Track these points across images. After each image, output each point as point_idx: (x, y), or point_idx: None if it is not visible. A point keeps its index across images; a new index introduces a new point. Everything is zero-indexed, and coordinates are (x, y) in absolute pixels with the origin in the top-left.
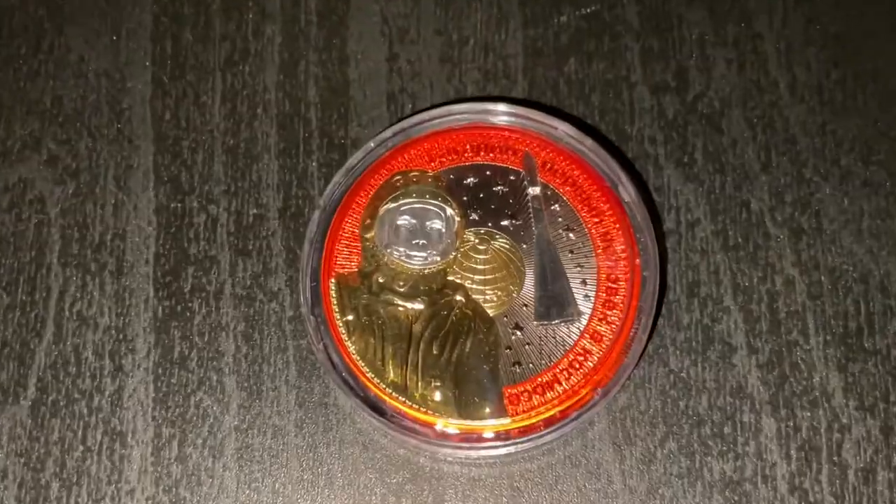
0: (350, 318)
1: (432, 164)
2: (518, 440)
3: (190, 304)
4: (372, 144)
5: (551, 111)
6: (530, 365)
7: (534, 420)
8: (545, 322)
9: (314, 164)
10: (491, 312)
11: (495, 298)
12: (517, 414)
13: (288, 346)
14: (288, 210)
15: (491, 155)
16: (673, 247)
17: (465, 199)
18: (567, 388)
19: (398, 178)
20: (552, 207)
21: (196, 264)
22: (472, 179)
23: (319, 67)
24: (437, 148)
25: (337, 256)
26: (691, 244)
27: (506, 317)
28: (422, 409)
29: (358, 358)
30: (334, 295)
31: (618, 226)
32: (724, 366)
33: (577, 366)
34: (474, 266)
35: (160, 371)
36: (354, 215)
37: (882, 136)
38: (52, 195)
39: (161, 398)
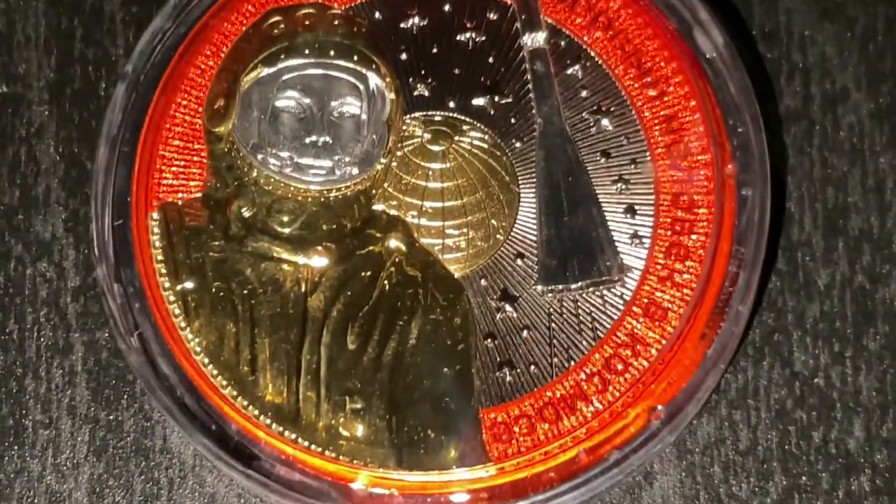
0: (190, 284)
1: None
2: None
3: None
4: None
5: None
6: (532, 368)
7: (539, 469)
8: (558, 287)
9: None
10: (456, 271)
11: (464, 244)
12: (507, 458)
13: (73, 344)
14: (67, 86)
15: None
16: (798, 143)
17: (403, 58)
18: (600, 407)
19: (276, 19)
20: (569, 72)
21: None
22: (416, 21)
23: None
24: None
25: (162, 171)
26: (832, 138)
27: (484, 279)
28: (329, 452)
29: (206, 360)
30: (159, 243)
31: (693, 103)
32: None
33: (620, 368)
34: (424, 185)
35: None
36: (194, 93)
37: None
38: None
39: None
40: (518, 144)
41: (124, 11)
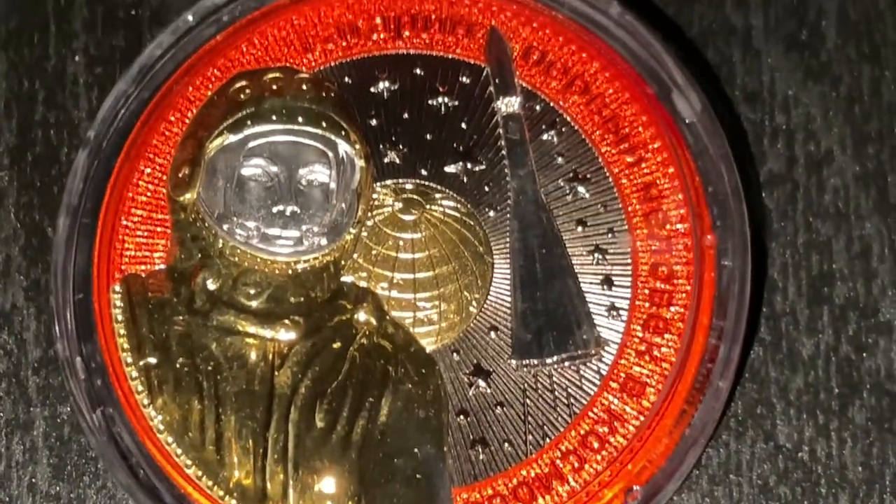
0: (153, 360)
1: (309, 56)
2: None
3: None
4: (190, 19)
5: None
6: (505, 446)
7: None
8: (533, 361)
9: (78, 58)
10: (428, 345)
11: (436, 317)
12: None
13: (34, 419)
14: (28, 150)
15: (424, 36)
16: (781, 207)
17: (373, 123)
18: (577, 487)
19: (242, 84)
20: (544, 137)
21: None
22: (387, 85)
23: None
24: (319, 23)
25: (125, 242)
26: (817, 202)
27: (457, 353)
28: None
29: (170, 439)
30: (121, 317)
31: (671, 170)
32: (883, 435)
33: (596, 445)
34: (394, 255)
35: None
36: (157, 160)
37: None
38: None
39: None
40: (492, 213)
41: (87, 73)
